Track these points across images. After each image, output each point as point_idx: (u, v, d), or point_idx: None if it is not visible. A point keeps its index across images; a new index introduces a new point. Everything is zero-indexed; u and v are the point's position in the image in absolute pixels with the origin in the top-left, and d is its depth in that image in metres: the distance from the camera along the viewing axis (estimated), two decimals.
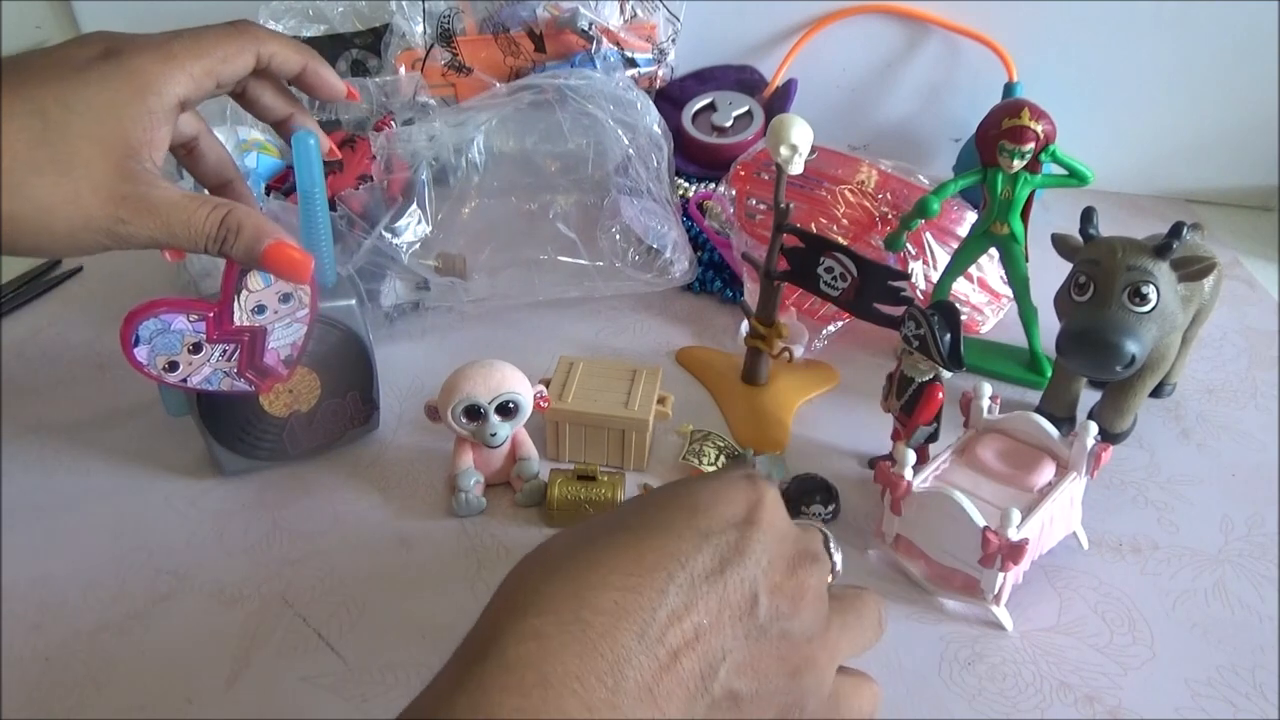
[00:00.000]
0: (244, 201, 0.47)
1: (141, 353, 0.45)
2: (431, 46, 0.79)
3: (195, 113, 0.46)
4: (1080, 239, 0.55)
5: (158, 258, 0.74)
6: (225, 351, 0.47)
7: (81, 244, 0.38)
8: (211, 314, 0.46)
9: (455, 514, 0.52)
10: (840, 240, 0.65)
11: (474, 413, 0.51)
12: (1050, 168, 0.59)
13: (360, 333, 0.54)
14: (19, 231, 0.37)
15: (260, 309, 0.47)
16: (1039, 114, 0.57)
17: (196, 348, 0.46)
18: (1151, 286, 0.51)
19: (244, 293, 0.46)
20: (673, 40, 0.84)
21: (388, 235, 0.64)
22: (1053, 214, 0.79)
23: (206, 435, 0.52)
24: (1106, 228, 0.55)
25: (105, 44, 0.40)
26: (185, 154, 0.47)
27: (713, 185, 0.80)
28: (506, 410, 0.51)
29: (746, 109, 0.83)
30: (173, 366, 0.46)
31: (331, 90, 0.46)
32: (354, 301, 0.53)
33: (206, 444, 0.53)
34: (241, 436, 0.52)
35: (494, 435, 0.51)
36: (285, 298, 0.48)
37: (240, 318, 0.47)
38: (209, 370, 0.47)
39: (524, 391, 0.51)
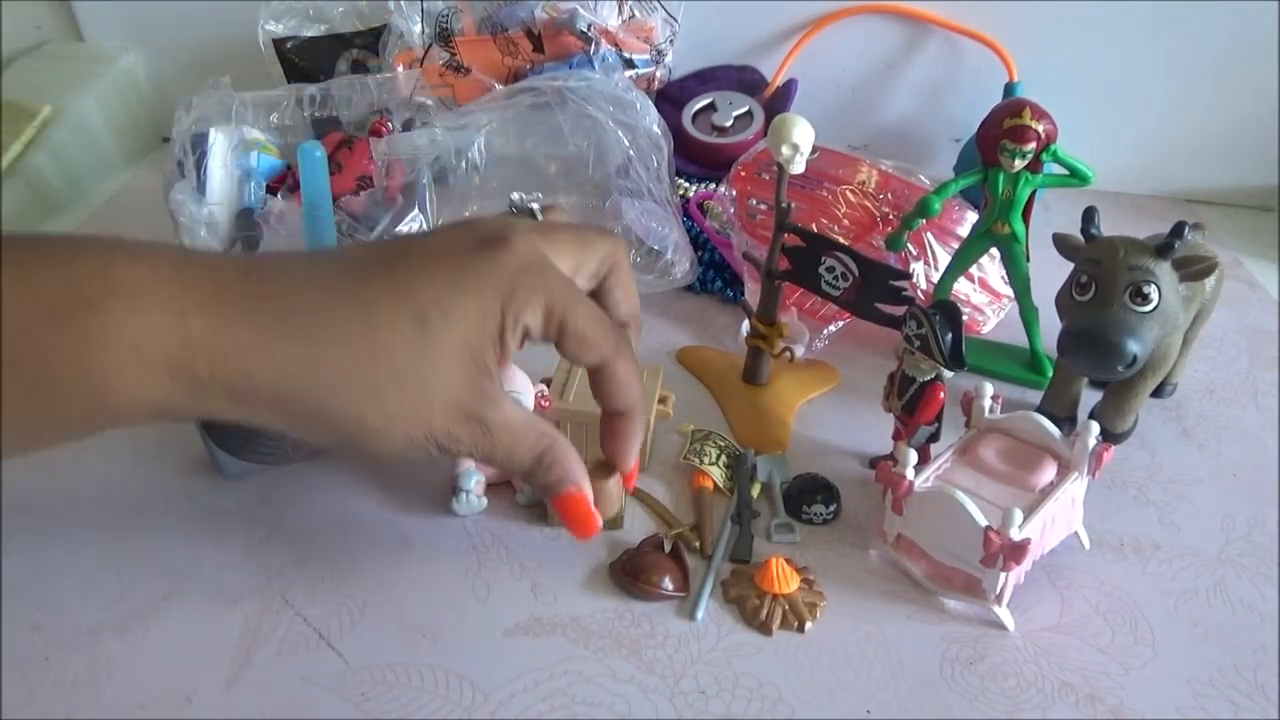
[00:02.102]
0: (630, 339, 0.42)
1: None
2: (430, 46, 0.79)
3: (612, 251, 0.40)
4: (1081, 239, 0.55)
5: None
6: None
7: (407, 455, 0.35)
8: None
9: (456, 513, 0.52)
10: (841, 240, 0.65)
11: None
12: (1051, 167, 0.59)
13: None
14: (354, 438, 0.34)
15: None
16: (1040, 114, 0.57)
17: None
18: (1153, 286, 0.51)
19: None
20: (671, 41, 0.84)
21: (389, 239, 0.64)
22: (1054, 214, 0.79)
23: (208, 442, 0.52)
24: (1107, 228, 0.55)
25: (479, 233, 0.36)
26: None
27: (713, 185, 0.80)
28: None
29: (747, 109, 0.83)
30: None
31: (621, 454, 0.42)
32: None
33: (208, 449, 0.52)
34: (244, 443, 0.52)
35: None
36: None
37: None
38: None
39: (525, 391, 0.51)
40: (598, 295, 0.40)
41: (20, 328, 0.29)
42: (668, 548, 0.49)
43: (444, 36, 0.79)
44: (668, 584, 0.47)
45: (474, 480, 0.52)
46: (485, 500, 0.53)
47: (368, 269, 0.34)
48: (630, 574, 0.47)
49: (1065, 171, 0.59)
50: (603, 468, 0.43)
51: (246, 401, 0.33)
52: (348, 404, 0.33)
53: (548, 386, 0.55)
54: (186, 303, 0.31)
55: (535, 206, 0.43)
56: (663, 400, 0.57)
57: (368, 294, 0.34)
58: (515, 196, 0.43)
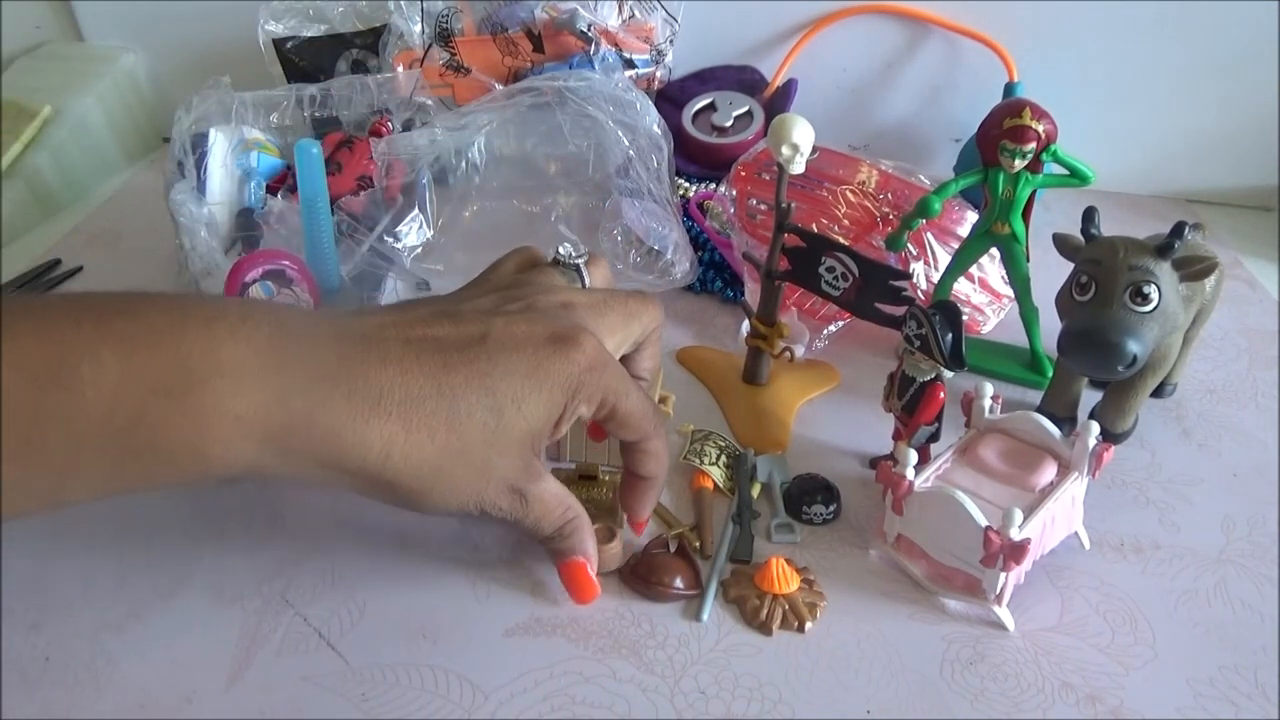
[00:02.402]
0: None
1: None
2: (430, 46, 0.79)
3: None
4: (1081, 239, 0.55)
5: (156, 257, 0.74)
6: None
7: (450, 515, 0.41)
8: None
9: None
10: (841, 240, 0.65)
11: None
12: (1051, 168, 0.59)
13: None
14: (414, 505, 0.39)
15: None
16: (1040, 114, 0.57)
17: None
18: (1153, 286, 0.51)
19: None
20: (670, 41, 0.84)
21: (389, 239, 0.64)
22: (1054, 214, 0.79)
23: None
24: (1107, 228, 0.55)
25: (550, 329, 0.40)
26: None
27: (713, 185, 0.80)
28: None
29: (747, 109, 0.83)
30: None
31: (635, 511, 0.49)
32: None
33: None
34: None
35: None
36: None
37: None
38: None
39: None
40: (628, 354, 0.46)
41: (136, 404, 0.32)
42: (673, 548, 0.49)
43: (444, 36, 0.79)
44: (679, 584, 0.47)
45: None
46: None
47: (450, 358, 0.38)
48: (641, 576, 0.47)
49: (1065, 171, 0.59)
50: (607, 532, 0.47)
51: (331, 469, 0.36)
52: (420, 481, 0.38)
53: None
54: (287, 384, 0.34)
55: (581, 263, 0.47)
56: (663, 400, 0.57)
57: (451, 384, 0.37)
58: (562, 251, 0.47)
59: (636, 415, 0.43)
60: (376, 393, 0.36)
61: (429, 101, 0.76)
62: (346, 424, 0.35)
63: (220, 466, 0.34)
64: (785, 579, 0.47)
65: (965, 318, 0.49)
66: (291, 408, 0.34)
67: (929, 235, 0.69)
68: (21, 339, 0.31)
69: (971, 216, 0.69)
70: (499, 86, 0.78)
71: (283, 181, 0.72)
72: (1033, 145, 0.57)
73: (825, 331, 0.66)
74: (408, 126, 0.74)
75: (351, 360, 0.36)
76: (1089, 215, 0.55)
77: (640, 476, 0.46)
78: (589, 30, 0.79)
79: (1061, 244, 0.56)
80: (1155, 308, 0.52)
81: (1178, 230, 0.51)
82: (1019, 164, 0.58)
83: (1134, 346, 0.51)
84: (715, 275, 0.73)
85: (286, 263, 0.46)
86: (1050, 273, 0.57)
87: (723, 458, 0.56)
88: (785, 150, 0.53)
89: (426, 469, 0.37)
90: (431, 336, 0.39)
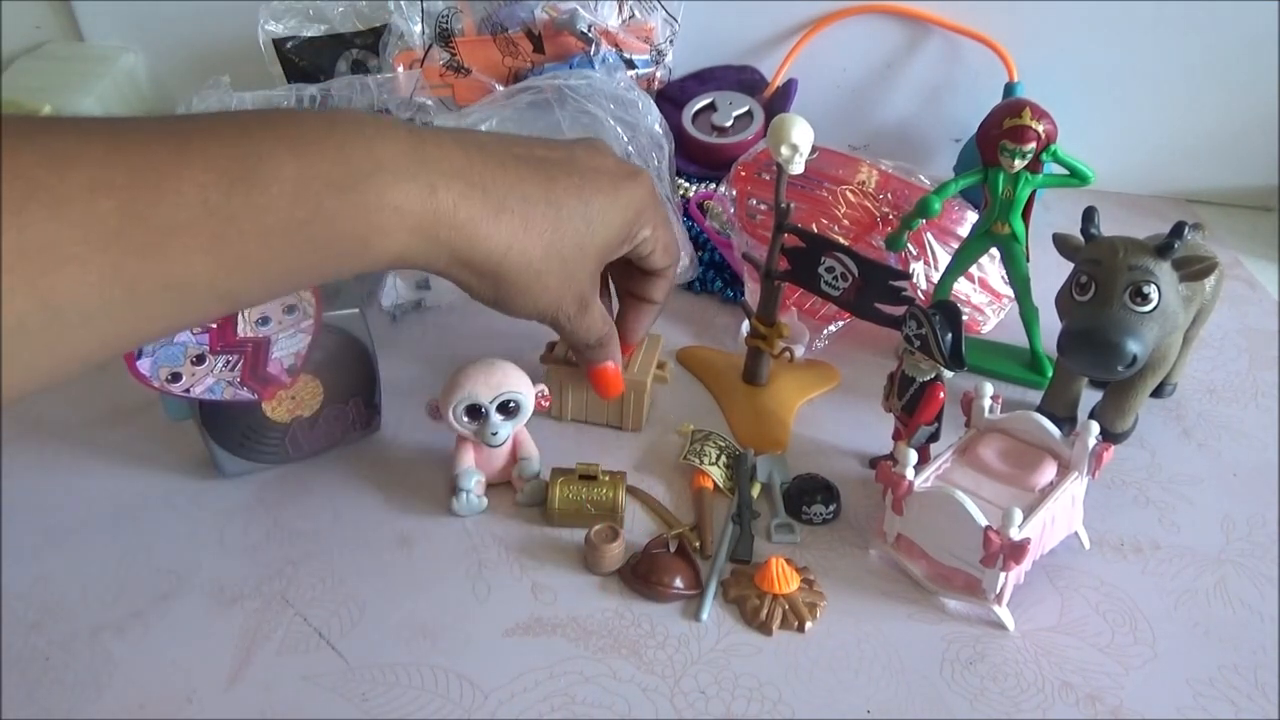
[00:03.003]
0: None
1: (144, 365, 0.45)
2: (430, 46, 0.79)
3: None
4: (1081, 238, 0.55)
5: None
6: (229, 362, 0.47)
7: (528, 318, 0.46)
8: (215, 325, 0.46)
9: (456, 513, 0.52)
10: (841, 240, 0.65)
11: (475, 412, 0.51)
12: (1051, 167, 0.59)
13: (364, 340, 0.54)
14: (510, 304, 0.44)
15: (264, 320, 0.47)
16: (1040, 114, 0.57)
17: (200, 359, 0.46)
18: (1153, 286, 0.51)
19: None
20: (670, 41, 0.84)
21: None
22: (1053, 214, 0.79)
23: (208, 440, 0.52)
24: (1107, 227, 0.55)
25: (622, 164, 0.47)
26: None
27: (713, 185, 0.80)
28: (507, 409, 0.51)
29: (747, 109, 0.83)
30: (175, 377, 0.46)
31: (630, 334, 0.56)
32: (358, 310, 0.53)
33: (208, 448, 0.52)
34: (243, 442, 0.52)
35: (495, 434, 0.51)
36: (289, 309, 0.48)
37: (244, 329, 0.47)
38: (212, 380, 0.47)
39: (525, 391, 0.51)
40: (641, 278, 0.54)
41: (313, 198, 0.35)
42: (673, 547, 0.49)
43: (444, 37, 0.79)
44: (679, 583, 0.47)
45: (474, 480, 0.52)
46: (485, 500, 0.53)
47: (552, 171, 0.43)
48: (641, 576, 0.47)
49: (1065, 171, 0.59)
50: (609, 532, 0.49)
51: (461, 263, 0.41)
52: (525, 277, 0.43)
53: (552, 349, 0.59)
54: (436, 179, 0.38)
55: None
56: (660, 366, 0.58)
57: (556, 193, 0.43)
58: None
59: (674, 244, 0.51)
60: (502, 193, 0.40)
61: (429, 102, 0.76)
62: (481, 218, 0.40)
63: (378, 255, 0.38)
64: (785, 579, 0.47)
65: (965, 318, 0.49)
66: (439, 200, 0.38)
67: (929, 235, 0.69)
68: (205, 142, 0.33)
69: (971, 216, 0.69)
70: (499, 87, 0.77)
71: None
72: (1032, 145, 0.57)
73: (825, 331, 0.66)
74: None
75: (478, 164, 0.40)
76: (1089, 215, 0.55)
77: (651, 302, 0.54)
78: (589, 31, 0.79)
79: (1061, 244, 0.56)
80: (1155, 308, 0.52)
81: (1177, 230, 0.51)
82: (1019, 164, 0.58)
83: (1134, 346, 0.51)
84: (715, 275, 0.73)
85: None
86: (1050, 273, 0.57)
87: (723, 458, 0.56)
88: (785, 150, 0.53)
89: (532, 268, 0.42)
90: (533, 154, 0.44)
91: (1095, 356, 0.52)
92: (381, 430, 0.58)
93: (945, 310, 0.48)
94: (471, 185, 0.40)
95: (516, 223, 0.41)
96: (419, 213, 0.38)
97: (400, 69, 0.78)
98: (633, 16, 0.82)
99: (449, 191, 0.39)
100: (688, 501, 0.54)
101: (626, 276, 0.55)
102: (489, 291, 0.43)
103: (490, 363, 0.51)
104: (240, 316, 0.46)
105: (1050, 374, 0.61)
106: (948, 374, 0.50)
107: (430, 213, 0.38)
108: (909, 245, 0.67)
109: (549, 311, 0.46)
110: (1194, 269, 0.53)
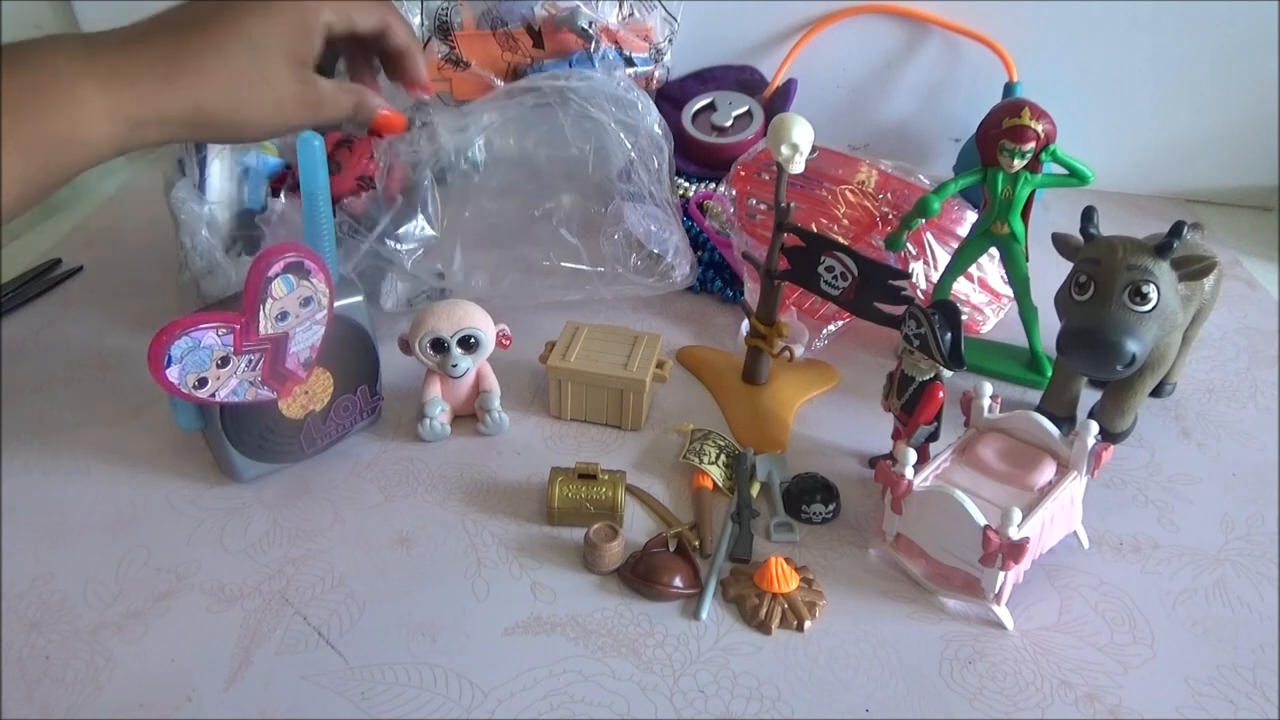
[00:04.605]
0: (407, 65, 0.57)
1: (173, 373, 0.45)
2: (429, 40, 0.79)
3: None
4: (1081, 238, 0.55)
5: (156, 256, 0.74)
6: (251, 361, 0.48)
7: (279, 133, 0.50)
8: (238, 325, 0.46)
9: (422, 439, 0.57)
10: (841, 240, 0.65)
11: (439, 345, 0.56)
12: (1051, 167, 0.59)
13: (367, 327, 0.55)
14: (238, 136, 0.49)
15: (283, 315, 0.47)
16: (1039, 113, 0.57)
17: (224, 361, 0.46)
18: (1152, 286, 0.51)
19: (269, 301, 0.46)
20: (669, 40, 0.84)
21: (390, 242, 0.64)
22: (1053, 213, 0.79)
23: (225, 445, 0.52)
24: (1107, 227, 0.55)
25: None
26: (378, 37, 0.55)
27: (713, 185, 0.80)
28: (468, 344, 0.56)
29: (746, 109, 0.83)
30: (202, 383, 0.46)
31: (414, 76, 0.56)
32: (361, 298, 0.54)
33: (223, 454, 0.53)
34: (260, 444, 0.52)
35: (455, 366, 0.56)
36: (305, 301, 0.48)
37: (265, 326, 0.47)
38: (235, 382, 0.48)
39: (485, 328, 0.56)
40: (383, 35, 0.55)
41: (12, 109, 0.42)
42: (672, 546, 0.49)
43: (443, 30, 0.80)
44: (679, 583, 0.47)
45: (439, 409, 0.57)
46: (449, 428, 0.58)
47: (204, 22, 0.47)
48: (641, 575, 0.48)
49: (1064, 171, 0.59)
50: (608, 531, 0.49)
51: (172, 126, 0.46)
52: (229, 114, 0.47)
53: (551, 348, 0.60)
54: (117, 81, 0.45)
55: None
56: (660, 365, 0.59)
57: (215, 38, 0.47)
58: None
59: (374, 7, 0.52)
60: (174, 67, 0.46)
61: (428, 97, 0.75)
62: (164, 91, 0.45)
63: (94, 149, 0.44)
64: (784, 578, 0.47)
65: (965, 317, 0.49)
66: (123, 95, 0.44)
67: (928, 235, 0.69)
68: None
69: (971, 216, 0.69)
70: (499, 82, 0.77)
71: (283, 181, 0.72)
72: (1032, 145, 0.57)
73: (825, 331, 0.66)
74: (408, 126, 0.74)
75: (140, 45, 0.46)
76: (1088, 215, 0.55)
77: (399, 53, 0.54)
78: (590, 28, 0.79)
79: (1061, 244, 0.56)
80: (1154, 307, 0.52)
81: (1176, 230, 0.51)
82: (1018, 164, 0.58)
83: (1133, 346, 0.51)
84: (715, 275, 0.73)
85: (304, 257, 0.48)
86: (1050, 273, 0.57)
87: (722, 457, 0.56)
88: (784, 150, 0.53)
89: (226, 105, 0.47)
90: (184, 17, 0.48)
91: (1094, 356, 0.52)
92: (381, 431, 0.58)
93: (944, 310, 0.48)
94: (146, 74, 0.45)
95: (193, 83, 0.46)
96: (105, 102, 0.44)
97: None
98: (632, 15, 0.82)
99: (132, 89, 0.44)
100: (687, 500, 0.54)
101: (364, 51, 0.56)
102: (215, 137, 0.52)
103: (454, 302, 0.57)
104: (261, 313, 0.46)
105: (1049, 373, 0.61)
106: (947, 373, 0.50)
107: (113, 98, 0.44)
108: (908, 245, 0.67)
109: (279, 126, 0.49)
110: (1193, 269, 0.53)
